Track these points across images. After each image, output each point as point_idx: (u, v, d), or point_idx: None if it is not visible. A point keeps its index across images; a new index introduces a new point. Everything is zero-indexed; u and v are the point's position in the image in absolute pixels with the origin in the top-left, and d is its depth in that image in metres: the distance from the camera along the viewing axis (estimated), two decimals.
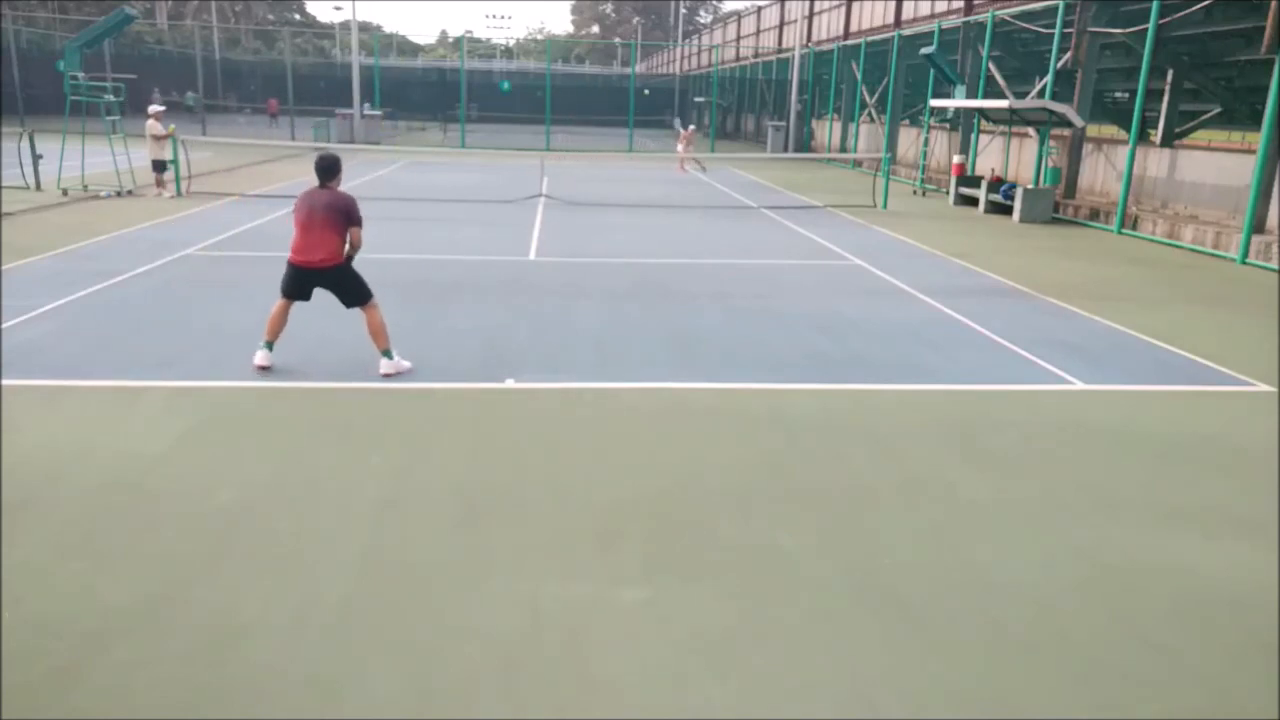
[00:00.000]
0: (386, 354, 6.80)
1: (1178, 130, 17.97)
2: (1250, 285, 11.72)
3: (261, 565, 4.02)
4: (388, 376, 6.72)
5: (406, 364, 6.91)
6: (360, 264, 11.62)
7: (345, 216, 6.63)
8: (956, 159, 21.23)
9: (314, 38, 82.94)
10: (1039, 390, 6.98)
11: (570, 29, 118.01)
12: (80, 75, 17.04)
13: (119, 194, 16.91)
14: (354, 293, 6.83)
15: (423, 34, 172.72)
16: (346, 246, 6.75)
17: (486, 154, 30.58)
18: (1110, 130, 22.32)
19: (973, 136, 22.52)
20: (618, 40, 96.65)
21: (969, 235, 15.48)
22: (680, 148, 28.34)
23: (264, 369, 6.76)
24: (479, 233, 14.16)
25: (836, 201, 19.76)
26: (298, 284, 6.82)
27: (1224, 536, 4.61)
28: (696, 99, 60.69)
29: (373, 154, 29.44)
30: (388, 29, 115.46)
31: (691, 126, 30.46)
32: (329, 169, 6.75)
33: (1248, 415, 6.53)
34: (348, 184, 20.61)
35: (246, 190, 18.44)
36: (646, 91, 62.16)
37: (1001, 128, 21.32)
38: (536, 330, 8.23)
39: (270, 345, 6.84)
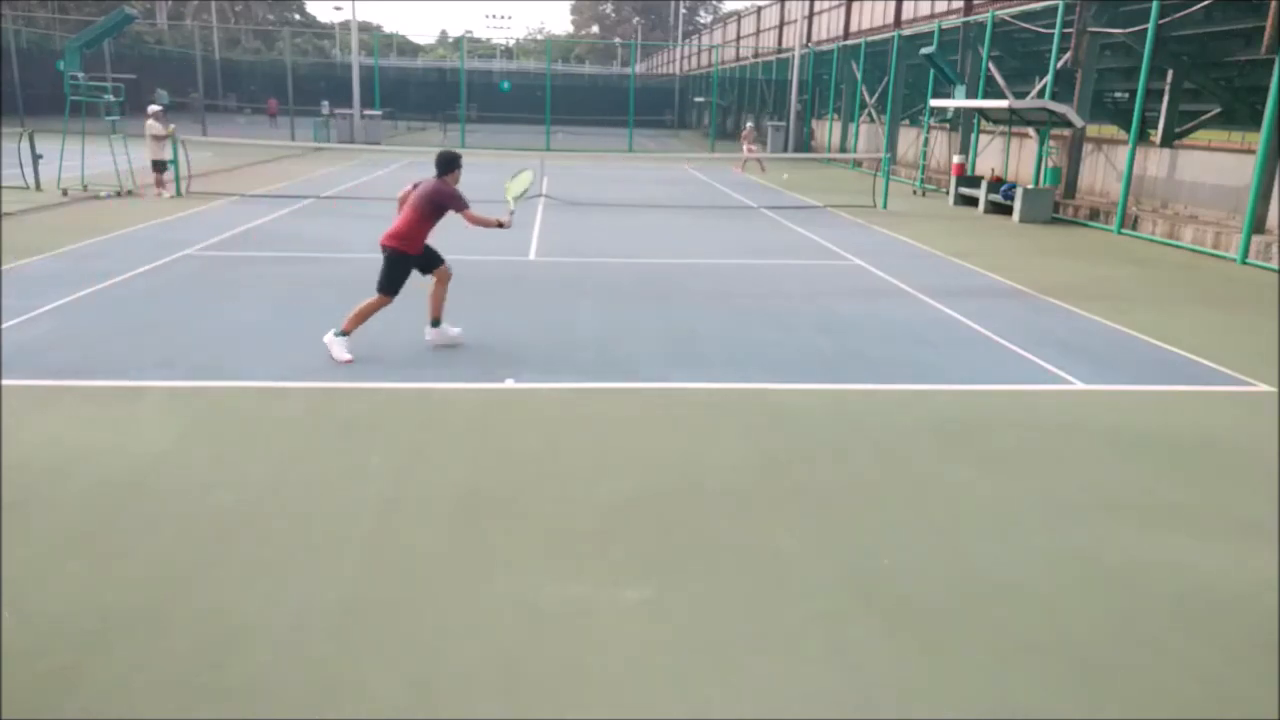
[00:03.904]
0: (343, 334, 7.10)
1: (1178, 130, 17.97)
2: (1250, 285, 11.72)
3: (261, 565, 4.02)
4: (331, 347, 7.06)
5: (348, 356, 7.06)
6: (362, 262, 11.62)
7: (429, 204, 7.09)
8: (956, 159, 21.23)
9: (314, 38, 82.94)
10: (1039, 390, 6.98)
11: (570, 29, 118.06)
12: (80, 75, 17.05)
13: (119, 194, 16.91)
14: (380, 276, 7.16)
15: (423, 34, 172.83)
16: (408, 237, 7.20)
17: (486, 154, 30.56)
18: (1110, 130, 22.32)
19: (973, 136, 22.52)
20: (618, 40, 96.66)
21: (969, 235, 15.48)
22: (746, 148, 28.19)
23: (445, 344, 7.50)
24: (479, 232, 14.10)
25: (836, 201, 19.76)
26: (389, 269, 7.23)
27: (1224, 536, 4.61)
28: (696, 99, 60.73)
29: (373, 154, 29.44)
30: (388, 29, 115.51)
31: (749, 124, 30.20)
32: (438, 163, 7.31)
33: (1248, 415, 6.53)
34: (348, 183, 20.62)
35: (246, 190, 18.44)
36: None
37: (1001, 128, 21.32)
38: (536, 330, 8.23)
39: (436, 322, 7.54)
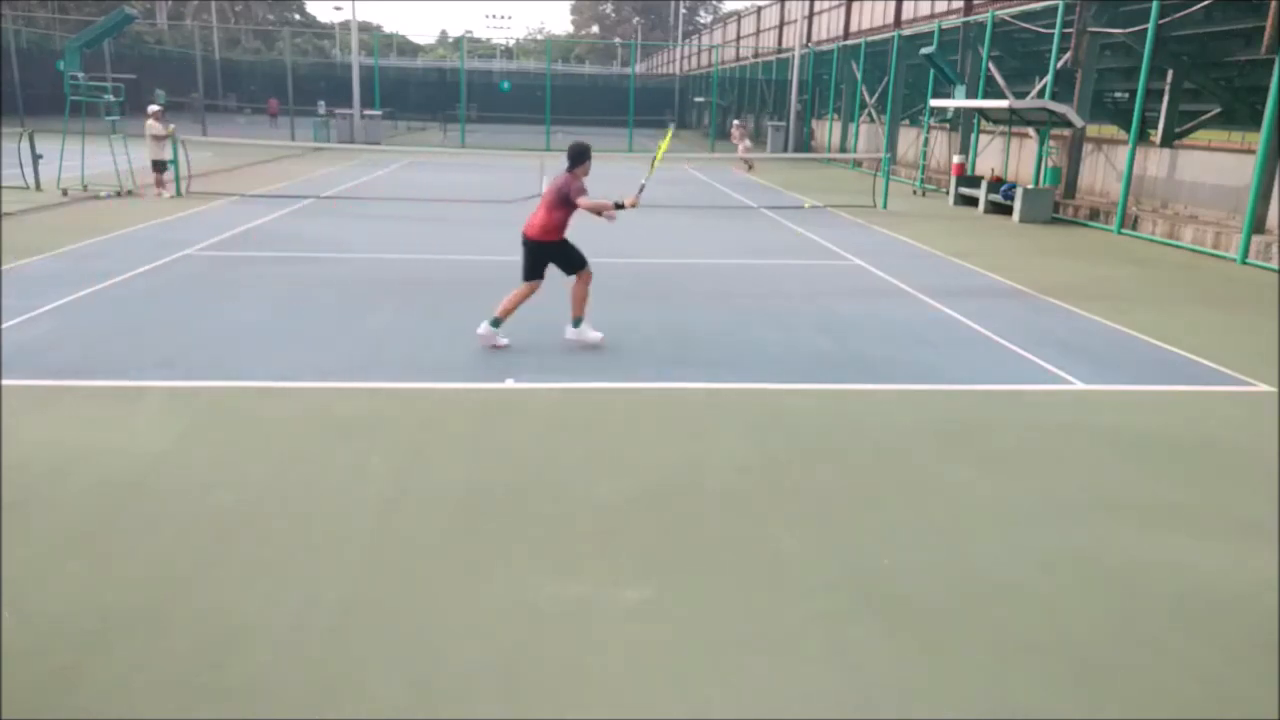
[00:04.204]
0: (576, 322, 7.71)
1: (1178, 130, 17.96)
2: (1250, 285, 11.72)
3: (261, 565, 4.02)
4: (572, 341, 7.70)
5: (595, 335, 7.74)
6: (362, 262, 11.65)
7: (557, 195, 7.41)
8: (956, 159, 21.23)
9: (314, 38, 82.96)
10: (1039, 390, 6.98)
11: (570, 29, 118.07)
12: (80, 75, 17.05)
13: (119, 194, 16.91)
14: (567, 263, 7.65)
15: (423, 34, 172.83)
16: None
17: (486, 154, 30.57)
18: (1110, 130, 22.32)
19: (973, 136, 22.52)
20: (618, 40, 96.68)
21: (969, 235, 15.47)
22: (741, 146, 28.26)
23: (498, 347, 7.59)
24: (479, 233, 14.16)
25: (836, 201, 19.76)
26: (526, 258, 7.60)
27: (1224, 536, 4.61)
28: (696, 99, 60.71)
29: (373, 154, 29.45)
30: (388, 29, 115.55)
31: (736, 121, 30.41)
32: (570, 155, 7.56)
33: (1248, 415, 6.53)
34: (348, 183, 20.62)
35: (246, 190, 18.44)
36: None
37: (1001, 128, 21.32)
38: (536, 330, 8.22)
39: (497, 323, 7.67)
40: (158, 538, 4.23)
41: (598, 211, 7.45)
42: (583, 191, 7.33)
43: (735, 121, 31.00)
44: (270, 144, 29.40)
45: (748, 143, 28.47)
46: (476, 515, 4.58)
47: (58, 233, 12.53)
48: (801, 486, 5.06)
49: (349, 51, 45.56)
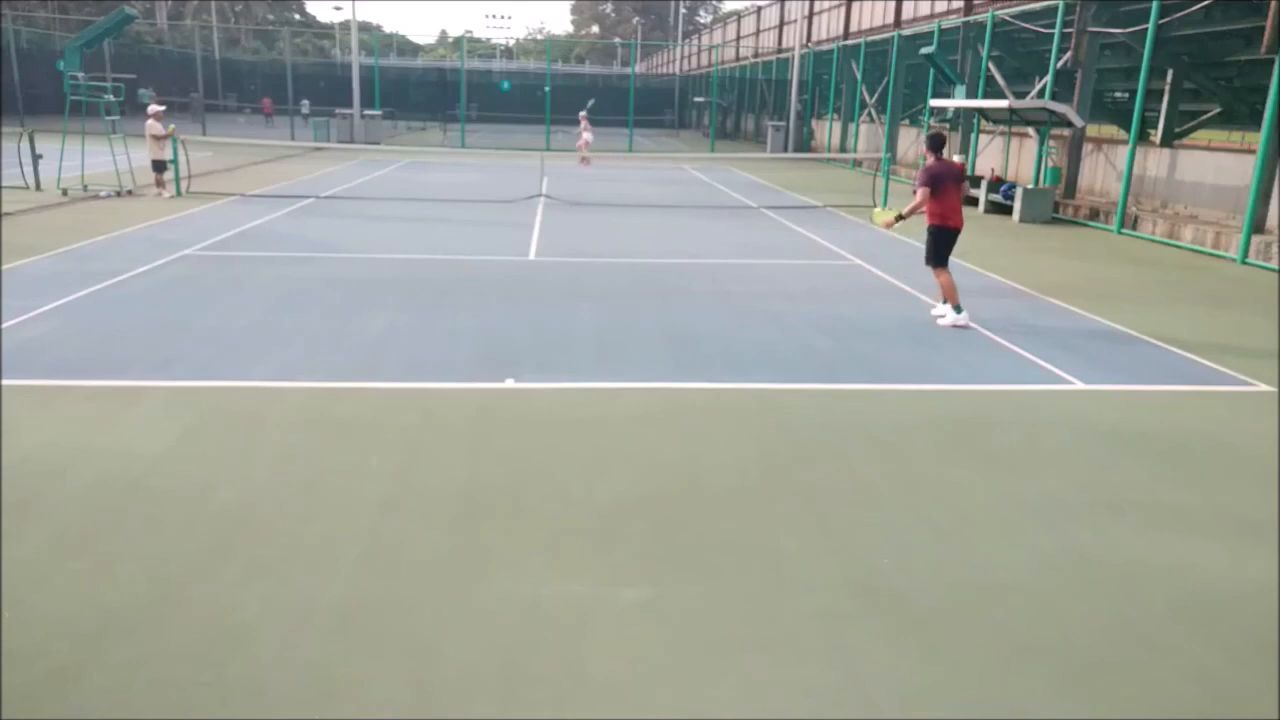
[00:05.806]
0: (956, 309, 8.73)
1: (1178, 130, 17.97)
2: (1250, 285, 11.72)
3: (261, 565, 4.02)
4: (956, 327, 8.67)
5: (963, 319, 8.71)
6: (362, 262, 11.65)
7: (929, 178, 8.67)
8: (956, 159, 21.21)
9: (314, 38, 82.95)
10: (1039, 390, 6.97)
11: (570, 29, 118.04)
12: (80, 75, 17.05)
13: (119, 194, 16.92)
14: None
15: (423, 34, 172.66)
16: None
17: (486, 154, 30.56)
18: (1110, 130, 22.33)
19: (973, 136, 22.52)
20: (618, 40, 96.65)
21: (969, 235, 15.35)
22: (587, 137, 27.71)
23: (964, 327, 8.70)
24: (479, 233, 14.17)
25: (836, 201, 19.77)
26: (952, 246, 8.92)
27: (1224, 536, 4.61)
28: (696, 99, 60.73)
29: (373, 154, 29.45)
30: (388, 29, 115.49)
31: (583, 112, 29.41)
32: (938, 142, 8.83)
33: (1248, 415, 6.53)
34: (349, 183, 20.63)
35: (246, 190, 18.45)
36: None
37: (1001, 128, 21.31)
38: (536, 330, 8.22)
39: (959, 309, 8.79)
40: (158, 538, 4.23)
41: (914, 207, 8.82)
42: (921, 183, 8.65)
43: (582, 113, 29.37)
44: (271, 144, 29.42)
45: (588, 136, 27.93)
46: (476, 515, 4.58)
47: (58, 233, 12.53)
48: (801, 486, 5.06)
49: (349, 51, 45.54)
